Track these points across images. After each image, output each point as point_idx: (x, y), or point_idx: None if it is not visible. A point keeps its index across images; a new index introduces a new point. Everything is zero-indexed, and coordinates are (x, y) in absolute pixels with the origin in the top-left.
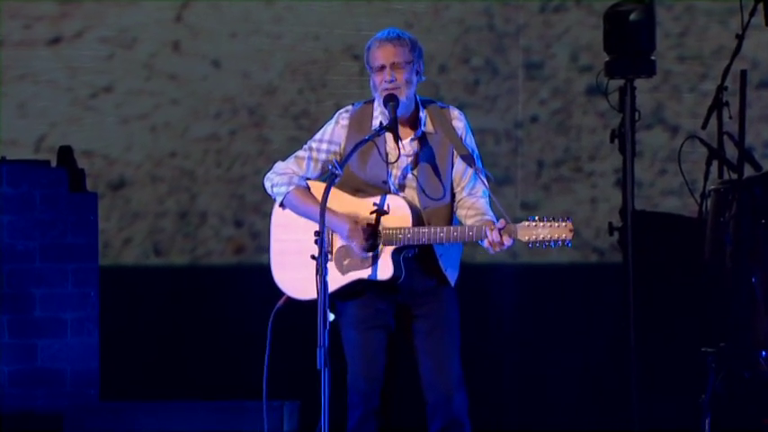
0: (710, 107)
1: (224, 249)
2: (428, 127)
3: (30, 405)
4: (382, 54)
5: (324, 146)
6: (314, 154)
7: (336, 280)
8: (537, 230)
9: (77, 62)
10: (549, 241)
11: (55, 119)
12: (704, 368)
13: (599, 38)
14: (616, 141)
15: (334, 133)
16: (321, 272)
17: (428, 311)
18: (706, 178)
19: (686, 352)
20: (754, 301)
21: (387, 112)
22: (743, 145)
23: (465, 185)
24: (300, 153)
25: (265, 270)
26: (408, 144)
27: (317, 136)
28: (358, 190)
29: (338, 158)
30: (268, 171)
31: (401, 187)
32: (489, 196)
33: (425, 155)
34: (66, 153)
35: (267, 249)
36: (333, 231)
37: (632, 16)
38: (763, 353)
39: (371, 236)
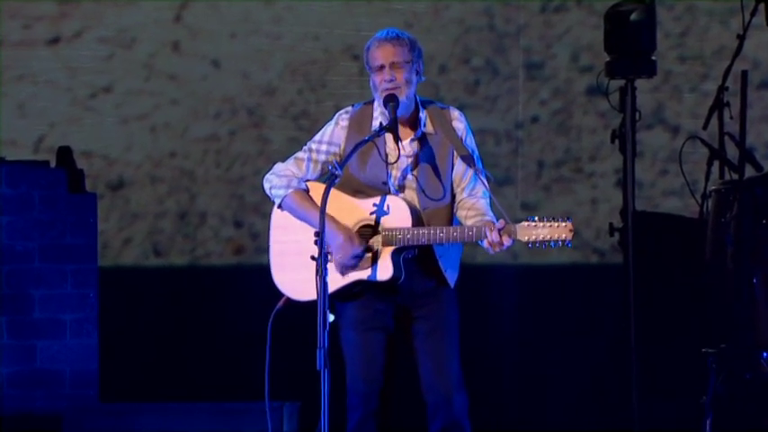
0: (711, 107)
1: (224, 250)
2: (428, 127)
3: (29, 406)
4: (381, 54)
5: (323, 147)
6: (313, 155)
7: (336, 281)
8: (537, 231)
9: (77, 62)
10: (549, 241)
11: (54, 119)
12: (705, 369)
13: (600, 38)
14: (617, 142)
15: (333, 134)
16: (321, 273)
17: (428, 313)
18: (707, 179)
19: (687, 353)
20: (755, 302)
21: (387, 113)
22: (744, 145)
23: (465, 186)
24: (300, 154)
25: (265, 271)
26: (408, 145)
27: (317, 137)
28: (358, 191)
29: (338, 159)
30: (267, 172)
31: (401, 188)
32: (490, 197)
33: (425, 155)
34: (65, 153)
35: (266, 250)
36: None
37: (633, 16)
38: (765, 354)
39: (360, 256)
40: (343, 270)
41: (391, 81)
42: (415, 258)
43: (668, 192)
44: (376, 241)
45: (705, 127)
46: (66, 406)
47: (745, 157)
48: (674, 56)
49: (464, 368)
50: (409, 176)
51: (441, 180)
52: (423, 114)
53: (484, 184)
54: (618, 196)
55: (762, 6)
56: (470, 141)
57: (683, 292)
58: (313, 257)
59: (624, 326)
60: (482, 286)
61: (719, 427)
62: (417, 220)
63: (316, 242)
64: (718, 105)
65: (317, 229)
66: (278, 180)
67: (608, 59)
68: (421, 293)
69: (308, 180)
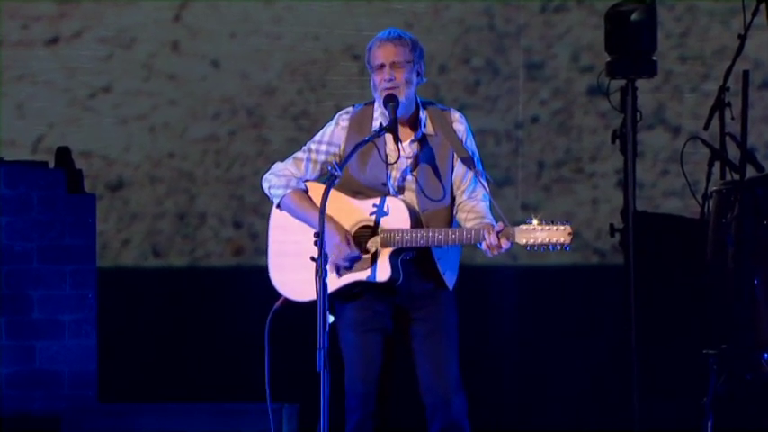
0: (712, 108)
1: (223, 251)
2: (428, 129)
3: (27, 407)
4: (382, 53)
5: (323, 147)
6: (313, 155)
7: (334, 281)
8: (535, 234)
9: (76, 62)
10: (548, 245)
11: (53, 119)
12: (706, 370)
13: (600, 38)
14: (617, 142)
15: (333, 135)
16: (321, 273)
17: (426, 314)
18: (708, 179)
19: (687, 353)
20: (756, 303)
21: (387, 113)
22: (745, 146)
23: (465, 189)
24: (299, 154)
25: (265, 271)
26: (408, 146)
27: (317, 137)
28: (357, 192)
29: (337, 160)
30: (266, 172)
31: (400, 189)
32: (489, 200)
33: (425, 157)
34: (64, 154)
35: (265, 250)
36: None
37: (634, 16)
38: (765, 355)
39: (355, 259)
40: (339, 271)
41: (391, 81)
42: (413, 260)
43: (669, 192)
44: (374, 242)
45: (706, 127)
46: (64, 407)
47: (746, 158)
48: (674, 56)
49: (464, 369)
50: (409, 177)
51: (440, 182)
52: (423, 115)
53: (484, 186)
54: (618, 197)
55: (763, 6)
56: (471, 143)
57: (683, 293)
58: (313, 258)
59: (625, 326)
60: (482, 287)
61: (720, 427)
62: (416, 221)
63: (315, 243)
64: (719, 106)
65: (316, 230)
66: (277, 180)
67: (609, 59)
68: (419, 295)
69: (307, 180)
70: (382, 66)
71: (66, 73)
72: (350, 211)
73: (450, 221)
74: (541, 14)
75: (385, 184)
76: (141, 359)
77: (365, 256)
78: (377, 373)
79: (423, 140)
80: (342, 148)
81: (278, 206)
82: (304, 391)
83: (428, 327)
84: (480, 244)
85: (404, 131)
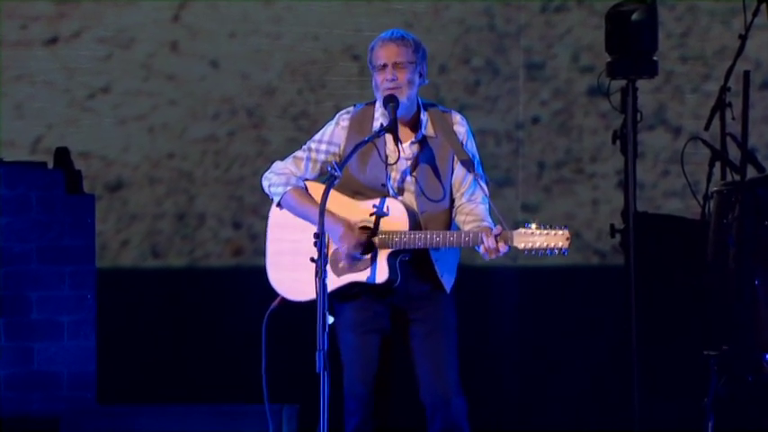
0: (713, 108)
1: (222, 251)
2: (429, 130)
3: (26, 409)
4: (385, 53)
5: (323, 146)
6: (313, 155)
7: (332, 281)
8: (533, 238)
9: (75, 63)
10: (546, 249)
11: (52, 120)
12: (706, 371)
13: (601, 38)
14: (618, 142)
15: (333, 134)
16: (320, 274)
17: (425, 315)
18: (709, 180)
19: (688, 354)
20: (757, 303)
21: (387, 113)
22: (746, 146)
23: (464, 191)
24: (299, 153)
25: (264, 272)
26: (408, 147)
27: (317, 137)
28: (357, 192)
29: (337, 160)
30: (266, 171)
31: (400, 190)
32: (489, 203)
33: (425, 158)
34: (62, 154)
35: (263, 249)
36: (327, 233)
37: (634, 16)
38: (766, 355)
39: (364, 244)
40: (351, 261)
41: (393, 81)
42: (411, 262)
43: (670, 193)
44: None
45: (707, 128)
46: (63, 408)
47: (746, 158)
48: (675, 56)
49: (464, 369)
50: (408, 179)
51: (440, 183)
52: (424, 117)
53: (483, 189)
54: (619, 197)
55: (764, 6)
56: (471, 146)
57: (684, 294)
58: (312, 259)
59: (625, 327)
60: (482, 287)
61: (721, 428)
62: (415, 223)
63: (315, 243)
64: (720, 106)
65: (316, 227)
66: (276, 178)
67: (609, 60)
68: (416, 296)
69: (306, 179)
70: (384, 66)
71: (65, 73)
72: (349, 211)
73: (450, 223)
74: (542, 14)
75: (384, 185)
76: (140, 360)
77: (366, 256)
78: (376, 374)
79: (423, 142)
80: (342, 147)
81: (278, 204)
82: (304, 391)
83: (427, 327)
84: (478, 247)
85: (404, 132)
